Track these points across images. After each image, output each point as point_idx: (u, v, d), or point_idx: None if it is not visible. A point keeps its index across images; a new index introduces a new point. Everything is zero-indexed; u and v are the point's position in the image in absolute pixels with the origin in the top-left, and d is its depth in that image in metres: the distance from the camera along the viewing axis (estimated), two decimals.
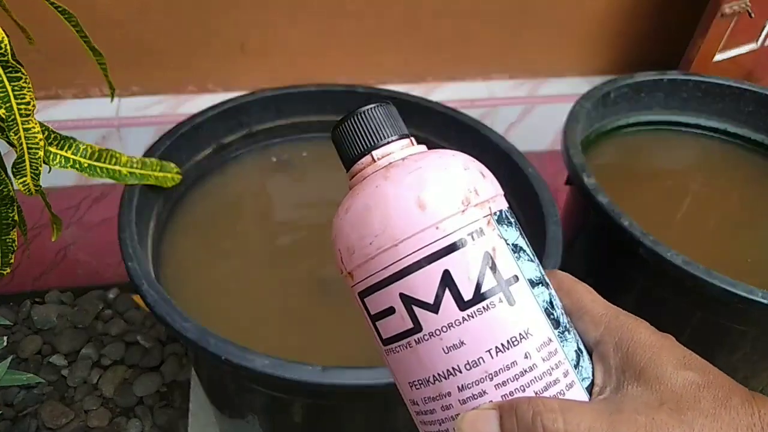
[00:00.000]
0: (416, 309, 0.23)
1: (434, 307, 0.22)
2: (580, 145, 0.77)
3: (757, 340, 0.74)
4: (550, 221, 0.65)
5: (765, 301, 0.61)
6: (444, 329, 0.22)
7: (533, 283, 0.23)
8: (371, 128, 0.25)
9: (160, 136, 0.72)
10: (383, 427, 0.67)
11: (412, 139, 0.26)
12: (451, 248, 0.22)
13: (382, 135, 0.25)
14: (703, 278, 0.62)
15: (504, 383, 0.22)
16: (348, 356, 0.59)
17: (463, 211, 0.23)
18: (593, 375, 0.24)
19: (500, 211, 0.24)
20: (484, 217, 0.23)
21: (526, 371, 0.22)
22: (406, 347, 0.23)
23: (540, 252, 0.63)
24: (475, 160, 0.25)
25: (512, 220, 0.25)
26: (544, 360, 0.23)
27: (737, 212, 0.87)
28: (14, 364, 1.07)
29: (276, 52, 1.06)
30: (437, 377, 0.23)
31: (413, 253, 0.22)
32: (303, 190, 0.80)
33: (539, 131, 1.20)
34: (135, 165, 0.64)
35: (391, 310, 0.23)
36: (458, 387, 0.23)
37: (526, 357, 0.22)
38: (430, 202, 0.22)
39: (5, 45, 0.47)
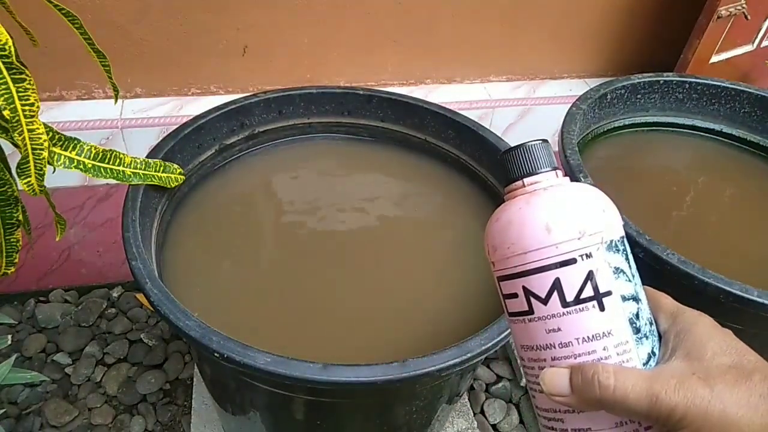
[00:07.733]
0: (532, 299, 0.31)
1: (545, 301, 0.31)
2: (577, 146, 0.78)
3: (753, 339, 0.74)
4: None
5: (761, 300, 0.61)
6: (549, 317, 0.31)
7: (624, 299, 0.31)
8: (526, 160, 0.33)
9: (164, 137, 0.72)
10: (383, 424, 0.68)
11: (558, 171, 0.33)
12: (564, 263, 0.30)
13: (534, 167, 0.33)
14: (699, 277, 0.62)
15: (583, 363, 0.30)
16: (349, 354, 0.60)
17: (579, 238, 0.30)
18: None
19: (611, 241, 0.31)
20: (595, 244, 0.30)
21: (601, 359, 0.30)
22: (522, 322, 0.32)
23: None
24: (601, 195, 0.32)
25: (621, 247, 0.31)
26: (618, 354, 0.30)
27: (733, 212, 0.87)
28: (18, 363, 1.08)
29: (277, 54, 1.07)
30: (539, 347, 0.32)
31: (536, 261, 0.31)
32: (305, 190, 0.81)
33: (537, 132, 1.21)
34: (138, 166, 0.65)
35: (515, 295, 0.32)
36: (551, 357, 0.31)
37: (604, 349, 0.30)
38: (554, 229, 0.30)
39: (9, 47, 0.48)
